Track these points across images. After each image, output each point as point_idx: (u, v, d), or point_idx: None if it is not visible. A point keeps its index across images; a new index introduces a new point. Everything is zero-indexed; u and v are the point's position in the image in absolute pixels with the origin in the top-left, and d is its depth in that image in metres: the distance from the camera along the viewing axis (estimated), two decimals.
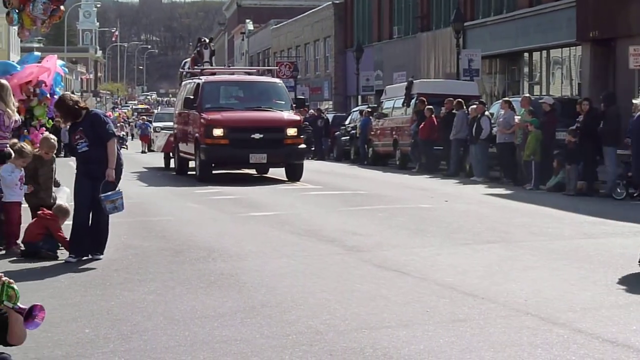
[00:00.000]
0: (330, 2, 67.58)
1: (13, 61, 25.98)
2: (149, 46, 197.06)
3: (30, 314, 5.62)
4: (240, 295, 10.59)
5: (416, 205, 20.26)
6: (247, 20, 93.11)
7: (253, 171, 29.49)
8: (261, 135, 25.35)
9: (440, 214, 18.67)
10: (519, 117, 26.28)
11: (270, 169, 28.83)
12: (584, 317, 9.22)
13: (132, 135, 74.58)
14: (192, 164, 28.68)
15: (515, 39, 39.96)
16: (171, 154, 33.01)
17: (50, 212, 13.70)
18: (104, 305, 10.06)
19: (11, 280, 5.93)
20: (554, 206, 19.93)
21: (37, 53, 21.72)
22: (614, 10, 30.41)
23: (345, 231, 15.92)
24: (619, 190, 22.12)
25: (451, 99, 30.45)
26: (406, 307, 9.92)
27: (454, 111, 29.48)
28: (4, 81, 11.92)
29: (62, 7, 19.29)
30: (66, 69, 27.11)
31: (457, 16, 40.34)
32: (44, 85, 15.98)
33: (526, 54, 40.76)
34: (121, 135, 57.15)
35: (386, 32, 56.55)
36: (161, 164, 34.53)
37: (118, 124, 66.33)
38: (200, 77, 29.12)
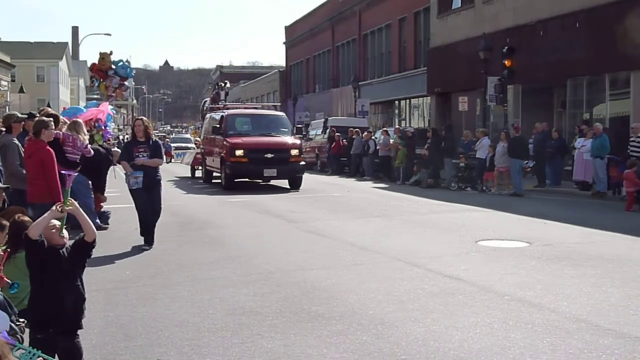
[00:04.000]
0: (277, 70, 67.66)
1: (80, 106, 25.48)
2: (165, 97, 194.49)
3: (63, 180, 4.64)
4: (223, 249, 10.50)
5: (330, 194, 20.27)
6: (226, 81, 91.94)
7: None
8: (272, 155, 21.58)
9: (345, 199, 18.70)
10: (393, 140, 26.51)
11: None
12: (433, 262, 9.31)
13: None
14: (214, 174, 24.73)
15: (390, 92, 40.24)
16: (196, 167, 29.05)
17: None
18: (137, 257, 9.96)
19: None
20: (414, 194, 20.10)
21: (95, 101, 21.53)
22: (449, 75, 30.79)
23: (287, 210, 15.87)
24: (453, 185, 22.44)
25: (351, 128, 30.59)
26: (324, 256, 9.93)
27: (353, 136, 29.60)
28: (79, 119, 11.61)
29: (127, 84, 19.14)
30: (114, 111, 26.54)
31: (354, 78, 40.76)
32: (100, 121, 15.76)
33: (397, 101, 41.08)
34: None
35: (311, 88, 56.56)
36: (187, 174, 30.18)
37: None
38: (224, 111, 24.65)
